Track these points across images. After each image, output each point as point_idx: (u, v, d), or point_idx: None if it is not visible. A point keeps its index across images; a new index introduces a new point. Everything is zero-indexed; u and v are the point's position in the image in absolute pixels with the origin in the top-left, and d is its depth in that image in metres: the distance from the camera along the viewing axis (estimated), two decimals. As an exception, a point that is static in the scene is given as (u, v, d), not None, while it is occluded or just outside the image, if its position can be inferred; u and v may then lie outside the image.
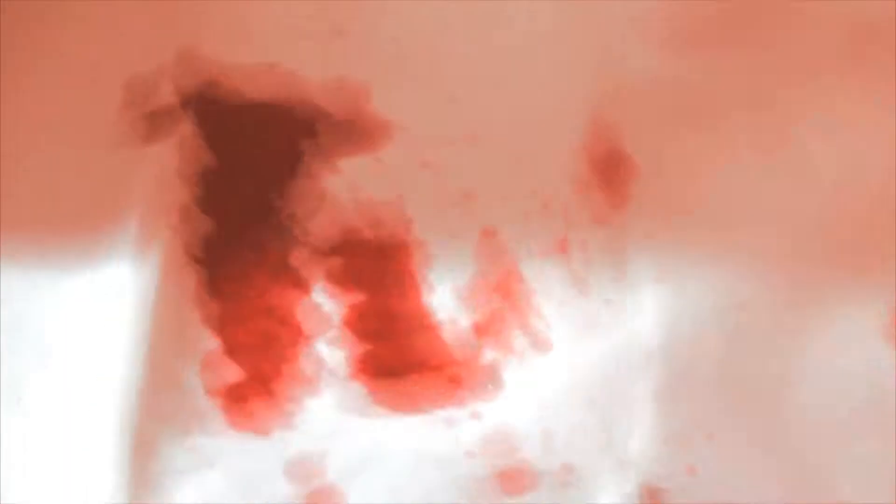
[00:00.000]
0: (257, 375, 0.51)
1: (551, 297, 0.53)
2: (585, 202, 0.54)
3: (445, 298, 0.53)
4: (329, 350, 0.52)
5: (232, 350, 0.51)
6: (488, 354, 0.52)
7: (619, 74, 0.57)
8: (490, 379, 0.51)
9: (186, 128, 0.55)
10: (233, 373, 0.51)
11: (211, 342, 0.51)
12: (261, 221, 0.54)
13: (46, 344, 0.51)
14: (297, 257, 0.53)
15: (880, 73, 0.56)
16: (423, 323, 0.52)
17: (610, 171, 0.55)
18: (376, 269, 0.53)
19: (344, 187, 0.55)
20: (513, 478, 0.50)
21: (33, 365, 0.51)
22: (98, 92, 0.56)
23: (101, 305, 0.52)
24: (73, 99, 0.56)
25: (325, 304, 0.52)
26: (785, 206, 0.54)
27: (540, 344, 0.52)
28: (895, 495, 0.49)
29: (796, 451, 0.50)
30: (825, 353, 0.51)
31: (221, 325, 0.52)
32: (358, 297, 0.53)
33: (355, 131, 0.56)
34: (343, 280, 0.53)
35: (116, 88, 0.56)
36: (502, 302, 0.53)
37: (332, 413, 0.50)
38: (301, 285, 0.53)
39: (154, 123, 0.55)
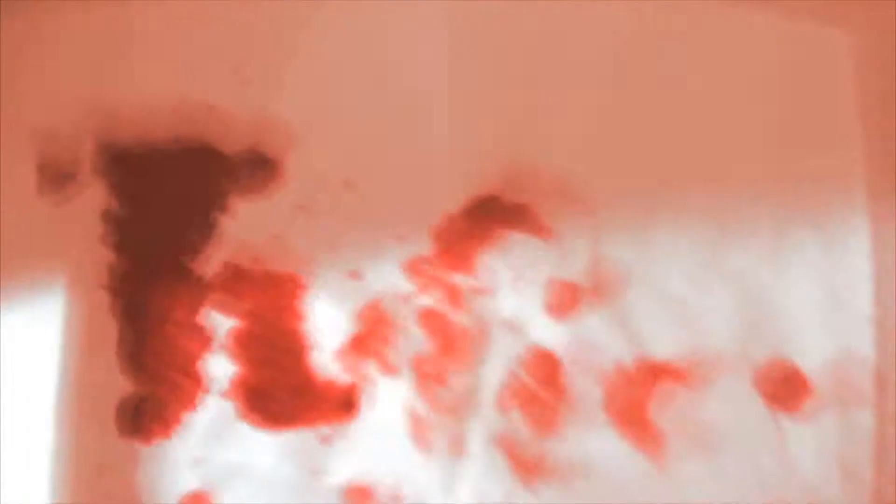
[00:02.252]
0: (162, 384, 0.57)
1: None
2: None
3: (317, 327, 0.58)
4: (210, 369, 0.57)
5: (127, 367, 0.57)
6: (346, 378, 0.57)
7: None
8: (346, 401, 0.56)
9: (95, 184, 0.61)
10: (142, 381, 0.57)
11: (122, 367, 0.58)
12: (163, 256, 0.60)
13: None
14: (189, 285, 0.59)
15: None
16: (296, 347, 0.58)
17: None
18: (259, 298, 0.58)
19: (234, 226, 0.60)
20: (358, 493, 0.55)
21: None
22: (15, 150, 0.63)
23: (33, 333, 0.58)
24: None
25: (212, 327, 0.58)
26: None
27: (389, 369, 0.57)
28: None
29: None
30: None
31: (124, 345, 0.58)
32: (251, 314, 0.58)
33: (252, 176, 0.62)
34: (228, 306, 0.58)
35: (30, 148, 0.62)
36: (365, 331, 0.58)
37: (207, 427, 0.56)
38: (193, 310, 0.58)
39: (66, 180, 0.61)
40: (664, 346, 0.58)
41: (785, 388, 0.58)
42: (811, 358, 0.58)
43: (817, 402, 0.57)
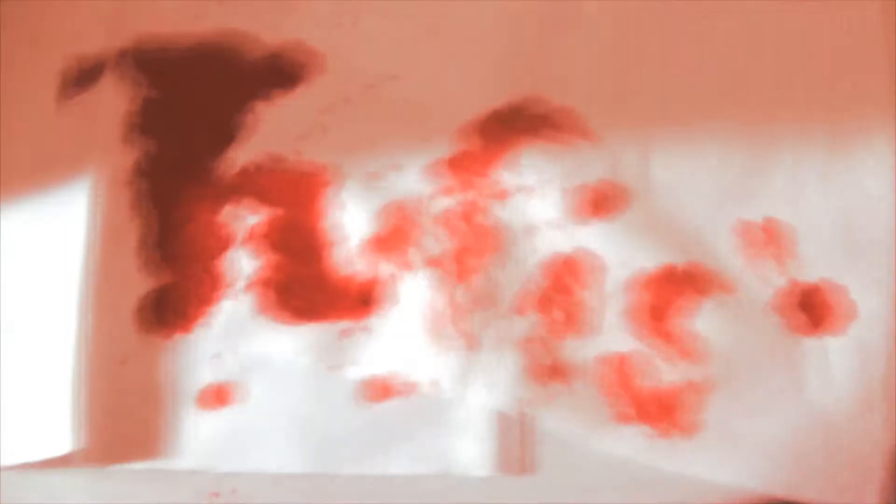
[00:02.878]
0: (182, 280, 0.57)
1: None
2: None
3: (338, 225, 0.58)
4: (231, 265, 0.57)
5: (148, 263, 0.58)
6: (366, 274, 0.57)
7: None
8: (366, 297, 0.57)
9: (118, 86, 0.62)
10: (164, 276, 0.58)
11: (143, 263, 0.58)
12: (186, 155, 0.60)
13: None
14: (211, 182, 0.59)
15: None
16: (317, 244, 0.58)
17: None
18: (280, 196, 0.59)
19: (257, 127, 0.60)
20: (378, 390, 0.55)
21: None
22: (37, 53, 0.64)
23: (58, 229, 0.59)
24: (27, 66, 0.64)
25: (231, 223, 0.58)
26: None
27: (409, 267, 0.57)
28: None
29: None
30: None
31: (146, 242, 0.58)
32: (274, 213, 0.58)
33: (289, 65, 0.62)
34: (250, 204, 0.59)
35: (53, 51, 0.64)
36: (386, 230, 0.58)
37: (228, 321, 0.56)
38: (215, 208, 0.59)
39: (88, 82, 0.62)
40: (685, 257, 0.57)
41: (831, 310, 0.57)
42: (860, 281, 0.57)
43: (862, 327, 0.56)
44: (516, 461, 0.55)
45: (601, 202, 0.58)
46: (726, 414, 0.54)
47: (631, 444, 0.54)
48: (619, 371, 0.55)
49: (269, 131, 0.60)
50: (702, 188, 0.59)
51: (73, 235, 0.57)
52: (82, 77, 0.63)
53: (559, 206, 0.58)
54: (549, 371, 0.55)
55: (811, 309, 0.57)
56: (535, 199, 0.58)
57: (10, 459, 0.54)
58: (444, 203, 0.58)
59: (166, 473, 0.55)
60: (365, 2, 0.64)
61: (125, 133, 0.60)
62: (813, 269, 0.57)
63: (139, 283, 0.57)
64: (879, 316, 0.56)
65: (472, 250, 0.57)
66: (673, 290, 0.56)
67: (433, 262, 0.57)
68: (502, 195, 0.58)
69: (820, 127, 0.60)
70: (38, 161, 0.61)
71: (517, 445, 0.55)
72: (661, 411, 0.54)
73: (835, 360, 0.56)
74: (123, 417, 0.55)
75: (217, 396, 0.55)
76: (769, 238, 0.58)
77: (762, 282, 0.57)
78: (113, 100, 0.61)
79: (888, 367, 0.55)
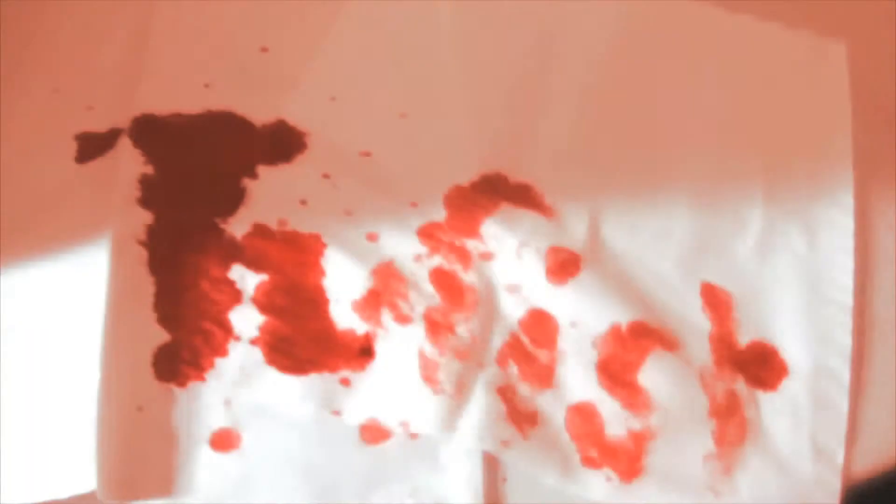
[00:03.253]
0: (196, 332, 0.62)
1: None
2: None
3: (336, 282, 0.64)
4: (239, 319, 0.62)
5: (163, 317, 0.62)
6: (363, 327, 0.62)
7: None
8: (363, 348, 0.62)
9: (132, 151, 0.67)
10: (178, 329, 0.62)
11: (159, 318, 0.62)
12: (197, 217, 0.65)
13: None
14: (220, 244, 0.64)
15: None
16: (318, 300, 0.63)
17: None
18: (284, 256, 0.64)
19: (262, 191, 0.66)
20: (376, 433, 0.60)
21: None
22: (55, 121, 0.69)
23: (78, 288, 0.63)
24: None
25: (239, 281, 0.63)
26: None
27: (403, 319, 0.63)
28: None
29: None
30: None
31: (161, 298, 0.63)
32: (276, 272, 0.63)
33: (280, 147, 0.68)
34: (256, 263, 0.64)
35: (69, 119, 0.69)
36: (380, 286, 0.63)
37: (237, 371, 0.61)
38: (224, 266, 0.64)
39: (104, 148, 0.68)
40: (632, 316, 0.63)
41: (764, 367, 0.63)
42: (792, 341, 0.64)
43: (794, 381, 0.63)
44: (501, 498, 0.60)
45: (558, 268, 0.64)
46: (668, 460, 0.60)
47: (597, 487, 0.60)
48: (586, 419, 0.61)
49: (268, 203, 0.65)
50: (648, 254, 0.66)
51: (94, 292, 0.61)
52: (99, 143, 0.68)
53: (525, 271, 0.64)
54: (526, 417, 0.61)
55: (745, 366, 0.63)
56: (499, 265, 0.64)
57: (33, 496, 0.58)
58: (427, 265, 0.64)
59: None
60: (343, 86, 0.70)
61: (140, 196, 0.65)
62: (748, 330, 0.64)
63: (155, 336, 0.62)
64: (808, 373, 0.63)
65: (455, 308, 0.63)
66: (622, 347, 0.62)
67: (425, 318, 0.62)
68: (468, 261, 0.64)
69: (757, 196, 0.68)
70: (59, 220, 0.65)
71: (500, 484, 0.60)
72: (622, 456, 0.60)
73: (766, 414, 0.62)
74: (140, 458, 0.59)
75: (227, 440, 0.60)
76: (708, 301, 0.64)
77: (701, 341, 0.63)
78: (127, 165, 0.66)
79: (821, 419, 0.62)
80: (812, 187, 0.68)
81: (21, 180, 0.66)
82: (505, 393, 0.61)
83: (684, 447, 0.60)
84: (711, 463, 0.60)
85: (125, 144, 0.67)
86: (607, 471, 0.60)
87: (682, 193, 0.68)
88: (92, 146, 0.68)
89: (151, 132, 0.68)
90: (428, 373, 0.61)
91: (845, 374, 0.63)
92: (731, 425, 0.61)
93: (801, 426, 0.62)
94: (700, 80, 0.72)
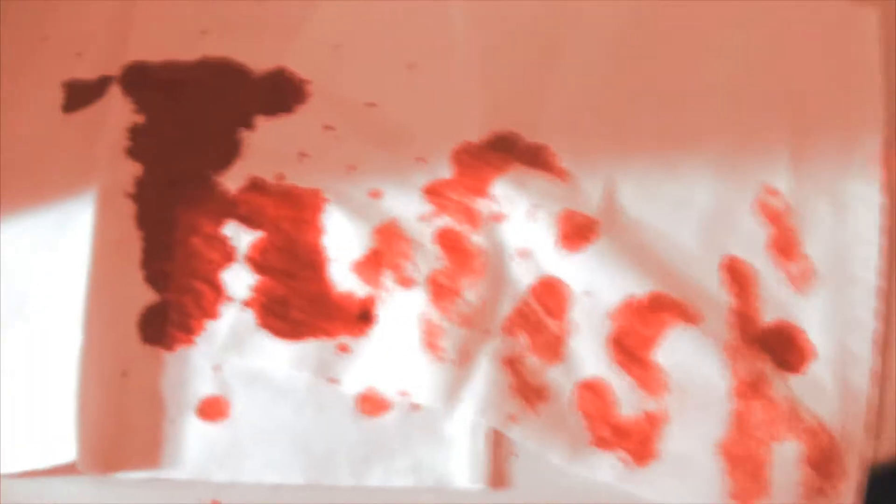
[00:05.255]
0: (185, 293, 0.59)
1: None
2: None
3: (335, 241, 0.60)
4: (232, 279, 0.59)
5: (151, 276, 0.59)
6: (363, 290, 0.59)
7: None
8: (363, 312, 0.58)
9: (122, 100, 0.64)
10: (166, 289, 0.59)
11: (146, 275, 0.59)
12: (189, 169, 0.62)
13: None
14: (213, 198, 0.61)
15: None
16: (315, 260, 0.60)
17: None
18: (280, 213, 0.60)
19: (259, 143, 0.63)
20: (373, 403, 0.57)
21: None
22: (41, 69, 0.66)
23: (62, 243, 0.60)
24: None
25: (232, 238, 0.60)
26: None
27: (405, 282, 0.59)
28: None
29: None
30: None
31: (149, 255, 0.60)
32: (272, 229, 0.60)
33: (279, 96, 0.64)
34: (250, 219, 0.60)
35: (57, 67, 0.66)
36: (382, 246, 0.60)
37: (228, 334, 0.58)
38: (216, 222, 0.60)
39: (92, 96, 0.64)
40: (650, 287, 0.59)
41: (788, 349, 0.59)
42: (815, 322, 0.60)
43: (820, 365, 0.59)
44: (504, 476, 0.57)
45: (572, 233, 0.60)
46: (683, 444, 0.56)
47: (607, 469, 0.56)
48: (597, 396, 0.57)
49: (265, 155, 0.62)
50: (667, 222, 0.62)
51: (78, 247, 0.58)
52: (87, 91, 0.64)
53: (537, 235, 0.60)
54: (535, 391, 0.57)
55: (770, 346, 0.59)
56: (509, 228, 0.61)
57: (13, 466, 0.55)
58: (433, 225, 0.61)
59: (167, 481, 0.56)
60: (348, 34, 0.67)
61: (128, 147, 0.62)
62: (771, 308, 0.60)
63: (142, 296, 0.58)
64: (832, 356, 0.59)
65: (461, 272, 0.59)
66: (638, 320, 0.58)
67: (429, 281, 0.58)
68: (477, 222, 0.60)
69: (783, 165, 0.64)
70: (43, 172, 0.62)
71: (504, 460, 0.57)
72: (634, 438, 0.56)
73: (796, 397, 0.58)
74: (125, 427, 0.56)
75: (217, 408, 0.57)
76: (730, 275, 0.61)
77: (720, 317, 0.59)
78: (117, 114, 0.63)
79: (846, 405, 0.58)
80: (840, 158, 0.64)
81: (5, 130, 0.64)
82: (512, 364, 0.57)
83: (701, 430, 0.57)
84: (729, 445, 0.56)
85: (115, 93, 0.64)
86: (620, 452, 0.56)
87: (704, 160, 0.64)
88: (80, 95, 0.65)
89: (143, 80, 0.64)
90: (431, 339, 0.57)
91: (870, 359, 0.59)
92: (756, 408, 0.57)
93: (826, 412, 0.58)
94: (725, 44, 0.68)
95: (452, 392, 0.56)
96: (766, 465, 0.56)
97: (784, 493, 0.55)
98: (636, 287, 0.59)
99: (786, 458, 0.56)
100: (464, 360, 0.57)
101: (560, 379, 0.58)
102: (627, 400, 0.57)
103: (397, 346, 0.57)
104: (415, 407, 0.57)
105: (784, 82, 0.67)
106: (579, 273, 0.60)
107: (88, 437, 0.55)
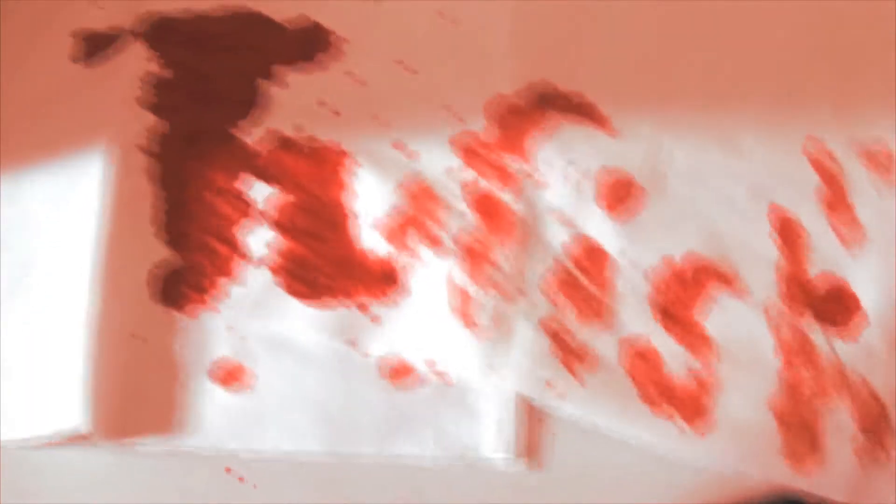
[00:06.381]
0: (198, 250, 0.56)
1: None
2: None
3: (360, 197, 0.57)
4: (248, 237, 0.56)
5: (163, 232, 0.56)
6: (389, 249, 0.56)
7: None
8: (388, 274, 0.55)
9: (135, 47, 0.61)
10: (179, 246, 0.56)
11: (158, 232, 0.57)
12: (205, 120, 0.59)
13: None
14: (230, 151, 0.58)
15: None
16: (338, 217, 0.56)
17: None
18: (301, 167, 0.57)
19: (280, 94, 0.60)
20: (399, 371, 0.54)
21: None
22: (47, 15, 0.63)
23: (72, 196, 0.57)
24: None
25: (251, 194, 0.57)
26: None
27: (434, 243, 0.56)
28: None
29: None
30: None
31: (161, 210, 0.57)
32: (293, 184, 0.57)
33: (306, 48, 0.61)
34: (269, 174, 0.57)
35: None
36: (409, 203, 0.56)
37: (244, 295, 0.55)
38: (232, 176, 0.57)
39: (104, 43, 0.62)
40: (715, 245, 0.56)
41: (838, 305, 0.56)
42: (865, 281, 0.57)
43: (873, 328, 0.56)
44: (536, 449, 0.53)
45: (616, 192, 0.57)
46: (738, 414, 0.53)
47: (657, 431, 0.53)
48: (646, 359, 0.54)
49: (286, 107, 0.59)
50: (716, 182, 0.58)
51: (88, 202, 0.56)
52: (100, 41, 0.62)
53: (575, 195, 0.57)
54: (577, 354, 0.54)
55: (816, 303, 0.56)
56: (551, 188, 0.58)
57: (21, 433, 0.52)
58: (461, 180, 0.57)
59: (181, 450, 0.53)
60: None
61: (141, 99, 0.59)
62: (819, 261, 0.57)
63: (153, 253, 0.56)
64: (883, 318, 0.56)
65: (494, 233, 0.56)
66: (677, 280, 0.56)
67: (458, 242, 0.55)
68: (510, 181, 0.57)
69: (838, 129, 0.60)
70: (53, 126, 0.59)
71: (537, 434, 0.54)
72: (686, 401, 0.53)
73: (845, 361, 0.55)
74: (135, 391, 0.53)
75: (233, 373, 0.54)
76: (778, 225, 0.57)
77: (767, 272, 0.56)
78: (130, 65, 0.60)
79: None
80: (888, 114, 0.61)
81: (17, 80, 0.61)
82: (550, 326, 0.54)
83: (754, 397, 0.53)
84: (782, 411, 0.53)
85: (128, 41, 0.61)
86: (679, 421, 0.53)
87: (750, 111, 0.61)
88: (93, 44, 0.62)
89: (159, 28, 0.62)
90: (461, 305, 0.54)
91: None
92: (803, 373, 0.54)
93: (876, 377, 0.54)
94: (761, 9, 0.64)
95: (486, 361, 0.53)
96: (820, 431, 0.53)
97: (839, 460, 0.52)
98: (674, 247, 0.56)
99: (838, 423, 0.53)
100: (497, 325, 0.54)
101: (603, 341, 0.54)
102: (674, 360, 0.54)
103: (425, 312, 0.54)
104: (440, 375, 0.53)
105: (829, 37, 0.64)
106: (617, 233, 0.57)
107: (99, 401, 0.52)
